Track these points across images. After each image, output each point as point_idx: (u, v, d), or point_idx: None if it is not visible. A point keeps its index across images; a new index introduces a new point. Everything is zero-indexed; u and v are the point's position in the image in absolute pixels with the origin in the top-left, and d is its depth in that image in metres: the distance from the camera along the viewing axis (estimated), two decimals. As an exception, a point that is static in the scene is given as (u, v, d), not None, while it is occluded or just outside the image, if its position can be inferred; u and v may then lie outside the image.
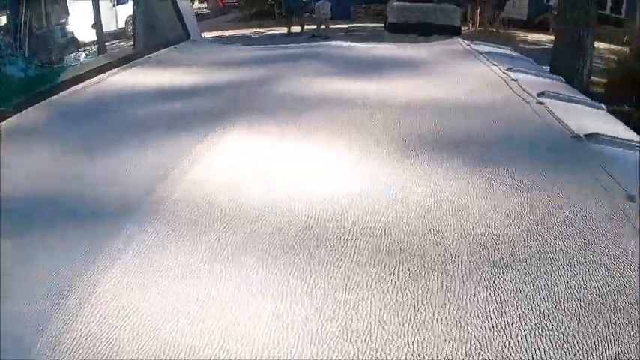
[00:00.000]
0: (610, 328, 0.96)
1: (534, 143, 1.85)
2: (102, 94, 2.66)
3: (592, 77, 9.41)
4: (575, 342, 0.93)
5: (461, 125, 1.98)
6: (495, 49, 3.61)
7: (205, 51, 4.04)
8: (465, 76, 2.72)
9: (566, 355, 0.90)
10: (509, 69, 2.74)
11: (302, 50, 3.64)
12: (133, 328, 0.95)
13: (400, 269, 1.12)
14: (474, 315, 0.99)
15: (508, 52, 3.80)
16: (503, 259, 1.17)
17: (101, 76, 2.90)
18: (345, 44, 3.90)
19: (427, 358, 0.89)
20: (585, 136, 1.83)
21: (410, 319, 0.98)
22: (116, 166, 1.68)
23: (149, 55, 3.50)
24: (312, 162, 1.69)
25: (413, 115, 2.07)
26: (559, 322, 0.98)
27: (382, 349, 0.90)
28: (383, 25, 16.59)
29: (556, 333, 0.95)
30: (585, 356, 0.89)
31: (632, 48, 9.87)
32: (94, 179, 1.62)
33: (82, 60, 3.89)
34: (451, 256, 1.18)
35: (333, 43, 3.92)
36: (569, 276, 1.11)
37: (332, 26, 16.82)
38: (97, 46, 3.99)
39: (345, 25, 18.18)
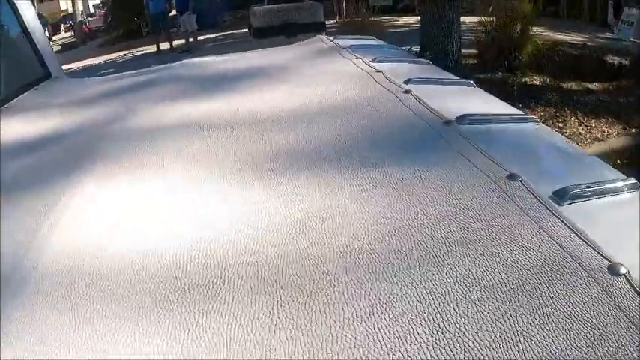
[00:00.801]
0: (514, 323, 0.90)
1: (406, 136, 1.74)
2: None
3: (463, 50, 9.71)
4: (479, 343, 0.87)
5: (331, 130, 1.85)
6: (359, 42, 3.52)
7: (67, 90, 3.73)
8: (330, 75, 2.60)
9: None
10: (373, 60, 2.66)
11: (161, 73, 3.43)
12: None
13: (279, 305, 1.02)
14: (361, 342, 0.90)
15: (372, 42, 3.72)
16: (384, 271, 1.07)
17: None
18: (206, 59, 3.72)
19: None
20: (456, 119, 1.75)
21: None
22: None
23: (8, 104, 3.12)
24: (171, 202, 1.52)
25: (281, 128, 1.93)
26: (455, 325, 0.91)
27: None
28: (248, 31, 16.52)
29: (456, 337, 0.88)
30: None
31: (500, 17, 10.28)
32: None
33: None
34: (330, 279, 1.07)
35: (196, 60, 3.72)
36: (461, 275, 1.03)
37: (200, 37, 16.61)
38: None
39: (214, 35, 18.01)
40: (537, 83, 9.65)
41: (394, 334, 0.91)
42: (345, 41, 3.44)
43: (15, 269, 1.26)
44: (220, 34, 18.46)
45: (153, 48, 16.99)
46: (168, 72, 3.38)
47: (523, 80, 9.59)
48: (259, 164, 1.65)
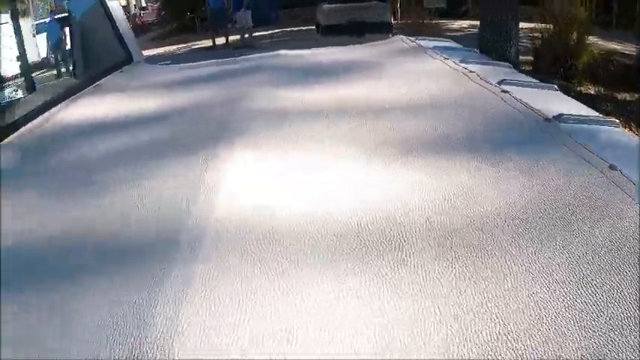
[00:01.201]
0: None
1: (513, 130, 1.94)
2: (59, 130, 2.55)
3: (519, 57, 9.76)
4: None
5: (444, 122, 2.04)
6: (440, 43, 3.68)
7: (152, 73, 3.93)
8: (426, 73, 2.78)
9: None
10: (461, 61, 2.84)
11: (252, 63, 3.60)
12: None
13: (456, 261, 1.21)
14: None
15: (450, 44, 3.88)
16: (532, 237, 1.28)
17: (52, 110, 2.78)
18: (291, 52, 3.89)
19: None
20: (554, 117, 1.95)
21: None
22: (120, 203, 1.62)
23: (97, 83, 3.36)
24: (325, 172, 1.71)
25: (398, 118, 2.12)
26: (589, 277, 1.12)
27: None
28: (315, 28, 16.76)
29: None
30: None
31: (556, 25, 10.29)
32: (104, 220, 1.56)
33: (18, 96, 3.61)
34: (494, 241, 1.28)
35: (281, 52, 3.88)
36: (591, 242, 1.23)
37: (255, 34, 16.88)
38: (28, 78, 3.72)
39: (268, 32, 18.24)
40: (592, 92, 9.67)
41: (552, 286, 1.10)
42: (425, 42, 3.61)
43: (180, 227, 1.39)
44: (275, 30, 18.65)
45: (207, 42, 17.32)
46: (265, 61, 3.56)
47: (578, 89, 9.62)
48: (395, 146, 1.84)
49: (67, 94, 3.06)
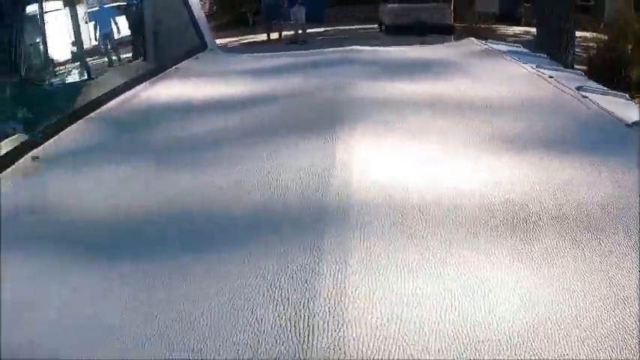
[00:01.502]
0: None
1: (595, 133, 2.08)
2: (149, 107, 2.65)
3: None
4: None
5: (530, 123, 2.17)
6: (510, 48, 3.79)
7: (229, 60, 4.06)
8: (505, 75, 2.91)
9: None
10: (538, 66, 2.96)
11: (330, 56, 3.70)
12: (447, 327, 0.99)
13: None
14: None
15: (522, 49, 3.97)
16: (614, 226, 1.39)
17: (133, 91, 2.87)
18: (365, 48, 3.97)
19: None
20: (633, 123, 2.08)
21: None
22: (255, 175, 1.69)
23: (175, 67, 3.49)
24: (446, 159, 1.82)
25: (487, 117, 2.23)
26: None
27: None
28: (378, 27, 17.00)
29: None
30: None
31: (611, 34, 10.23)
32: (242, 188, 1.64)
33: (92, 77, 3.64)
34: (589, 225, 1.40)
35: (355, 47, 3.98)
36: None
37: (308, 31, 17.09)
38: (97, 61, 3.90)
39: (321, 29, 18.39)
40: (646, 104, 9.61)
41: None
42: (497, 46, 3.72)
43: (331, 197, 1.47)
44: (327, 28, 18.80)
45: (260, 37, 17.55)
46: (339, 55, 3.67)
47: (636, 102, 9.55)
48: (496, 142, 1.97)
49: (142, 78, 3.17)
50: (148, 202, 1.66)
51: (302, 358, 0.91)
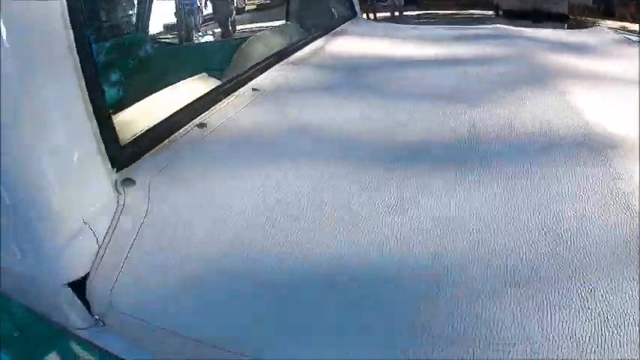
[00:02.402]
0: None
1: None
2: (337, 55, 2.75)
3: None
4: None
5: None
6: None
7: (380, 26, 4.20)
8: None
9: None
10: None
11: (481, 31, 3.68)
12: None
13: None
14: None
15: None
16: None
17: (317, 42, 3.01)
18: (508, 27, 3.82)
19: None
20: None
21: None
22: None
23: (340, 27, 3.63)
24: None
25: None
26: None
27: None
28: (494, 11, 17.08)
29: None
30: None
31: None
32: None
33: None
34: None
35: (498, 25, 3.94)
36: None
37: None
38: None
39: (415, 13, 18.34)
40: None
41: None
42: (630, 36, 3.63)
43: None
44: (422, 12, 18.72)
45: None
46: (493, 30, 3.65)
47: None
48: None
49: (319, 35, 3.29)
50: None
51: None
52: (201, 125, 1.69)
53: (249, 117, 1.82)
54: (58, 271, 1.16)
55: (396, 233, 1.17)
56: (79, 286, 1.18)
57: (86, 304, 1.20)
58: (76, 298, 1.19)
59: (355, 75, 2.37)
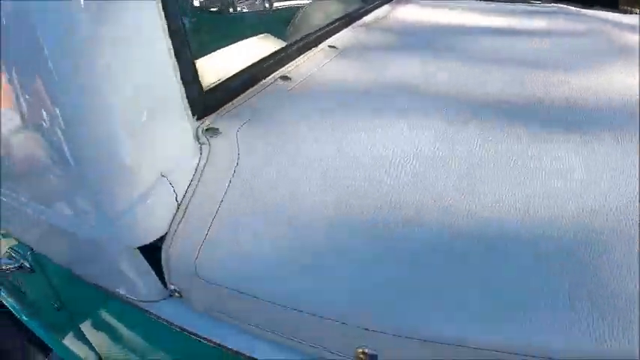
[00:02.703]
0: None
1: None
2: (403, 21, 2.63)
3: None
4: None
5: None
6: None
7: (425, 3, 4.03)
8: None
9: None
10: None
11: (548, 9, 3.54)
12: None
13: None
14: None
15: None
16: None
17: (379, 11, 2.88)
18: (575, 8, 3.85)
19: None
20: None
21: None
22: None
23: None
24: None
25: None
26: None
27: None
28: None
29: None
30: None
31: None
32: None
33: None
34: None
35: (559, 5, 3.82)
36: None
37: None
38: None
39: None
40: None
41: None
42: None
43: None
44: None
45: None
46: (553, 8, 3.47)
47: None
48: None
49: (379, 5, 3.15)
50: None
51: None
52: (285, 78, 1.55)
53: (334, 72, 1.68)
54: (127, 232, 0.95)
55: (546, 187, 1.00)
56: (152, 251, 0.99)
57: (160, 272, 1.01)
58: (148, 265, 0.99)
59: (430, 39, 2.24)
